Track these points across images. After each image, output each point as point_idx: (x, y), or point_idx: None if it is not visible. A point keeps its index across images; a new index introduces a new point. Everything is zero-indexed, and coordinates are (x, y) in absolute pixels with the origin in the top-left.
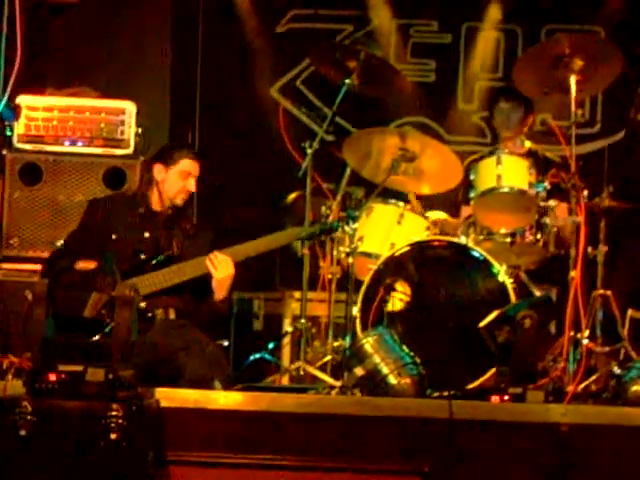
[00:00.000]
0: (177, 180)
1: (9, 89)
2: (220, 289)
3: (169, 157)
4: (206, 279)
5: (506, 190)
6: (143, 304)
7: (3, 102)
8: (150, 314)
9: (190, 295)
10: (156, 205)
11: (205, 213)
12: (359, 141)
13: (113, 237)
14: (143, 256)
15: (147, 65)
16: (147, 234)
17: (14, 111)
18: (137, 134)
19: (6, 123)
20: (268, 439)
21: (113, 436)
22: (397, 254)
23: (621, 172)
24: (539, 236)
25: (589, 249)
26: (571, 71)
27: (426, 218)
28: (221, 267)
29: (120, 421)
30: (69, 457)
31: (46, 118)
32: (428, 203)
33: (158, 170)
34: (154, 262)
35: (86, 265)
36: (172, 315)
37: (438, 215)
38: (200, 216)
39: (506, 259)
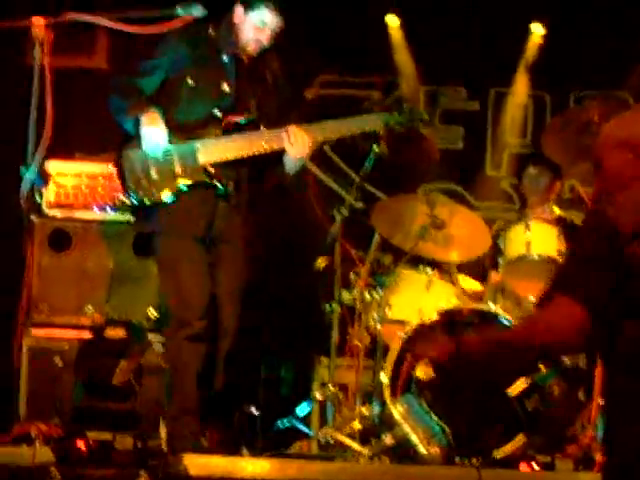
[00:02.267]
0: (251, 28)
1: (40, 155)
2: (291, 165)
3: (251, 1)
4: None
5: (535, 257)
6: (211, 169)
7: (33, 168)
8: (215, 182)
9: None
10: (236, 51)
11: None
12: (388, 208)
13: (189, 82)
14: (219, 113)
15: None
16: (226, 87)
17: (43, 177)
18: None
19: (35, 189)
20: None
21: None
22: (426, 321)
23: None
24: None
25: None
26: None
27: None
28: (297, 144)
29: None
30: None
31: (75, 185)
32: (459, 267)
33: (238, 13)
34: (229, 123)
35: (115, 333)
36: (231, 187)
37: (471, 285)
38: None
39: None
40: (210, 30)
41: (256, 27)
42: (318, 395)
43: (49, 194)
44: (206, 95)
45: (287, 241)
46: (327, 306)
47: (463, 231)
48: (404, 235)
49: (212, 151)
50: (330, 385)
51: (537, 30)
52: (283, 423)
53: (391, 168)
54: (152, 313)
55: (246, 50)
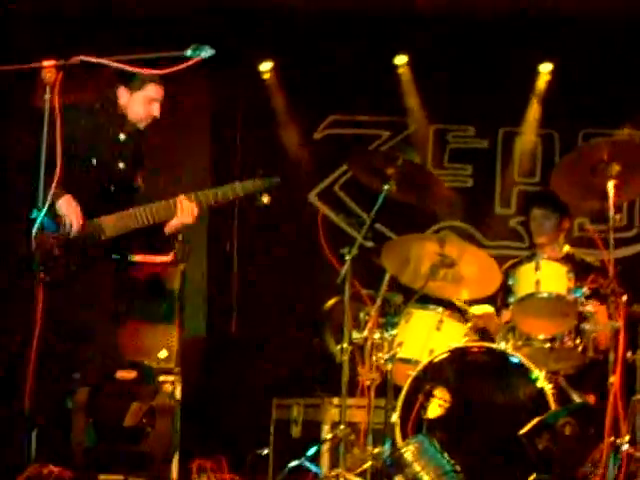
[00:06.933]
0: (142, 105)
1: (50, 197)
2: (173, 229)
3: (133, 81)
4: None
5: (545, 296)
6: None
7: (43, 212)
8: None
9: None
10: (130, 129)
11: (245, 318)
12: (398, 247)
13: (93, 162)
14: (112, 188)
15: (186, 174)
16: (122, 165)
17: (55, 221)
18: (176, 241)
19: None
20: None
21: None
22: (436, 360)
23: None
24: (578, 341)
25: (628, 354)
26: (609, 176)
27: (466, 321)
28: (185, 213)
29: None
30: None
31: None
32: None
33: (122, 94)
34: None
35: (127, 374)
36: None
37: (485, 309)
38: (240, 321)
39: (545, 364)
40: (100, 108)
41: (146, 102)
42: (329, 435)
43: None
44: (104, 174)
45: (297, 282)
46: (338, 346)
47: (473, 270)
48: (414, 274)
49: (115, 225)
50: (341, 425)
51: (546, 70)
52: (294, 464)
53: (401, 207)
54: (163, 355)
55: (137, 127)
